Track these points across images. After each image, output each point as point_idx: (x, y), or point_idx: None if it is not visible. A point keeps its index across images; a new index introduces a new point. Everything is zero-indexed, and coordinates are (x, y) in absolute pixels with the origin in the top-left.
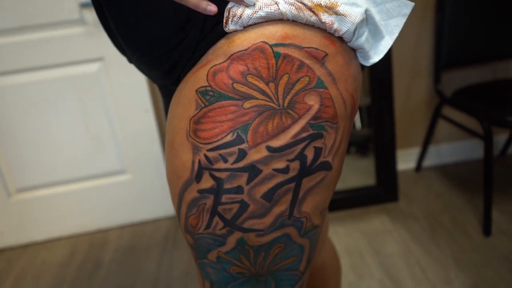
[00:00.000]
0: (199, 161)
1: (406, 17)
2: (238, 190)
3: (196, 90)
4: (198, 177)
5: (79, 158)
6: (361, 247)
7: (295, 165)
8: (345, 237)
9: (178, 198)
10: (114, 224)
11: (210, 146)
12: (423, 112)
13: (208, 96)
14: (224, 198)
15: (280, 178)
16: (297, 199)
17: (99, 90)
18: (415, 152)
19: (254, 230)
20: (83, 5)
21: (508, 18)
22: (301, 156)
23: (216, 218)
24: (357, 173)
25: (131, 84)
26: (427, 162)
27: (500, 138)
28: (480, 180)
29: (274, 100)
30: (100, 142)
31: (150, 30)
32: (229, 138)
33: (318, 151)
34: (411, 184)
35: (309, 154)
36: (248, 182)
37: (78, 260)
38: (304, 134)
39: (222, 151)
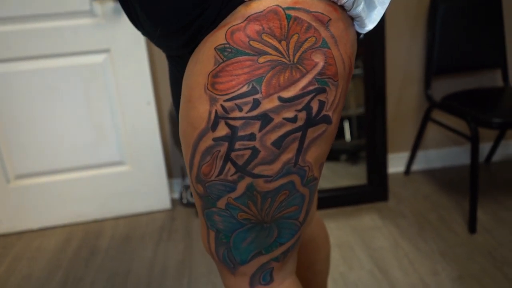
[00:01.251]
0: (216, 111)
1: None
2: (251, 137)
3: (215, 48)
4: (214, 126)
5: (80, 147)
6: (352, 241)
7: (302, 115)
8: (336, 231)
9: (192, 148)
10: (110, 215)
11: (227, 97)
12: (414, 118)
13: (226, 53)
14: (238, 144)
15: (289, 127)
16: (302, 148)
17: (104, 81)
18: (404, 156)
19: (263, 176)
20: None
21: (494, 31)
22: (307, 107)
23: (229, 164)
24: (348, 178)
25: (135, 76)
26: (416, 166)
27: (485, 146)
28: (466, 184)
29: (286, 56)
30: (101, 132)
31: (173, 3)
32: (244, 89)
33: (321, 104)
34: (400, 186)
35: (314, 106)
36: (260, 130)
37: (74, 247)
38: (311, 88)
39: (238, 101)
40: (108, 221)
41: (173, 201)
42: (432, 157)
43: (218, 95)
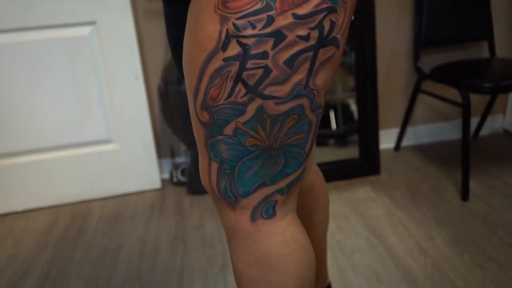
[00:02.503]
0: (227, 29)
1: None
2: (264, 55)
3: None
4: (225, 46)
5: (65, 124)
6: (346, 211)
7: (315, 33)
8: (331, 204)
9: (200, 72)
10: (98, 195)
11: (239, 15)
12: (404, 94)
13: None
14: (250, 63)
15: (302, 45)
16: (313, 69)
17: (90, 55)
18: (394, 132)
19: (273, 97)
20: None
21: (480, 3)
22: (320, 26)
23: (239, 85)
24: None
25: (123, 51)
26: (405, 142)
27: (472, 121)
28: (456, 157)
29: None
30: (88, 109)
31: None
32: (259, 6)
33: (333, 24)
34: (391, 161)
35: (326, 25)
36: (273, 47)
37: (61, 228)
38: (324, 6)
39: (251, 18)
40: (96, 201)
41: (163, 181)
42: (421, 132)
43: (230, 13)
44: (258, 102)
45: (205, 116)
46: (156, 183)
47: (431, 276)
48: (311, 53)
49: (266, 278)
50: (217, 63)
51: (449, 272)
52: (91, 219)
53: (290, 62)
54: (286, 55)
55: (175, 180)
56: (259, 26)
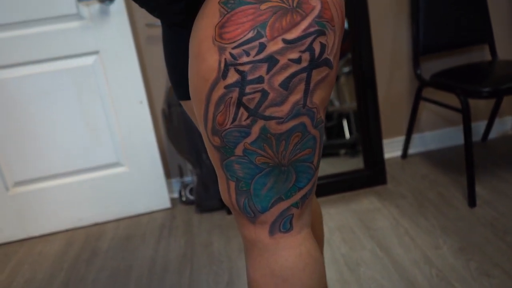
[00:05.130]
0: (225, 59)
1: None
2: (259, 79)
3: (218, 2)
4: (225, 74)
5: (76, 150)
6: (352, 223)
7: (306, 56)
8: (336, 216)
9: (206, 101)
10: (110, 217)
11: (234, 44)
12: (406, 102)
13: (230, 4)
14: (248, 88)
15: (294, 68)
16: (309, 89)
17: (95, 82)
18: (400, 140)
19: (274, 118)
20: (80, 0)
21: (478, 6)
22: (310, 48)
23: (241, 110)
24: (348, 169)
25: (126, 76)
26: (412, 150)
27: (480, 124)
28: (463, 162)
29: (285, 1)
30: (96, 134)
31: None
32: (250, 35)
33: (323, 46)
34: (398, 169)
35: (317, 47)
36: (267, 72)
37: (75, 250)
38: (312, 29)
39: (245, 46)
40: (109, 223)
41: (173, 200)
42: (428, 139)
43: (226, 44)
44: (260, 123)
45: (217, 140)
46: (165, 203)
47: (436, 287)
48: (304, 75)
49: None
50: (219, 91)
51: (455, 282)
52: (103, 240)
53: (285, 84)
54: (281, 78)
55: (184, 199)
56: (252, 53)
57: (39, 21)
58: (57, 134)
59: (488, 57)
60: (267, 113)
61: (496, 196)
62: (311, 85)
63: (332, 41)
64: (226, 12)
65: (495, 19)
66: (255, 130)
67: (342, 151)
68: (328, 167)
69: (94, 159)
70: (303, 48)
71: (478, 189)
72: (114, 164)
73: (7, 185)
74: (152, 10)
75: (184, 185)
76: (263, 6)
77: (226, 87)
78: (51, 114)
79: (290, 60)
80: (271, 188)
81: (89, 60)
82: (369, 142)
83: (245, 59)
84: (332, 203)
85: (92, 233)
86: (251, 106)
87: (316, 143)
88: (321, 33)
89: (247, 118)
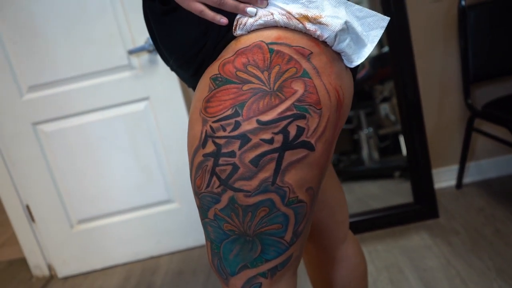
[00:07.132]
0: (206, 131)
1: (384, 29)
2: (232, 154)
3: (210, 78)
4: (204, 144)
5: (131, 189)
6: (400, 262)
7: (279, 138)
8: (384, 253)
9: (190, 164)
10: (165, 251)
11: (214, 119)
12: (457, 129)
13: (218, 81)
14: (221, 160)
15: (266, 147)
16: (280, 169)
17: (147, 126)
18: (454, 169)
19: (242, 190)
20: (130, 52)
21: None
22: (284, 131)
23: (214, 178)
24: (400, 196)
25: (174, 119)
26: (468, 179)
27: None
28: None
29: (267, 84)
30: (149, 174)
31: (181, 36)
32: (229, 112)
33: (300, 130)
34: (452, 201)
35: (292, 130)
36: (240, 148)
37: (132, 284)
38: (289, 113)
39: (223, 122)
40: (164, 257)
41: None
42: (485, 167)
43: (208, 117)
44: (230, 193)
45: (196, 201)
46: None
47: None
48: (276, 155)
49: None
50: (199, 157)
51: None
52: (158, 274)
53: (255, 162)
54: (251, 155)
55: None
56: (228, 129)
57: (96, 74)
58: (113, 175)
59: None
60: (236, 185)
61: None
62: (283, 165)
63: (316, 123)
64: (213, 88)
65: None
66: (225, 198)
67: (397, 174)
68: (381, 191)
69: (148, 197)
70: (276, 130)
71: None
72: (166, 201)
73: (72, 223)
74: (172, 69)
75: None
76: (245, 87)
77: (204, 155)
78: (107, 157)
79: (262, 140)
80: (237, 255)
81: (141, 106)
82: (417, 173)
83: (221, 133)
84: (380, 238)
85: (148, 266)
86: (223, 176)
87: (288, 221)
88: (299, 116)
89: (218, 186)
